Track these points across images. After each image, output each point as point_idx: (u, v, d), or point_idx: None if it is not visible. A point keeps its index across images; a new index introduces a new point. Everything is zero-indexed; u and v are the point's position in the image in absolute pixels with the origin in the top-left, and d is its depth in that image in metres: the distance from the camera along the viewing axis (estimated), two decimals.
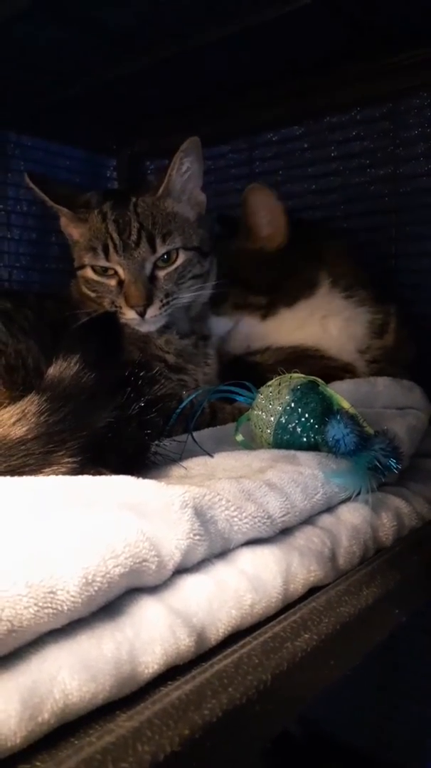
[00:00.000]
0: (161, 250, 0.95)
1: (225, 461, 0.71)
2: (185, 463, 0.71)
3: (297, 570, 0.55)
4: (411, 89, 1.20)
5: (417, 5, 0.99)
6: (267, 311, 1.16)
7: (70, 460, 0.59)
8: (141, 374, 0.68)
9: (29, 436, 0.59)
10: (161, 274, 0.95)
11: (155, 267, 0.95)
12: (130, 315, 0.94)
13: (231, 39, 1.05)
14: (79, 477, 0.56)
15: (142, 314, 0.93)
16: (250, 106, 1.35)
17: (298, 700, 0.42)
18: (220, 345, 1.15)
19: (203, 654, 0.44)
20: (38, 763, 0.32)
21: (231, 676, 0.36)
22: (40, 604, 0.37)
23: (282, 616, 0.47)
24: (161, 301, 0.94)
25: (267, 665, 0.38)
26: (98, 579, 0.40)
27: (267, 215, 1.17)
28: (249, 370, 1.06)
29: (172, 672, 0.41)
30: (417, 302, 1.22)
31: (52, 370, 0.65)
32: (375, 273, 1.23)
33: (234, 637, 0.46)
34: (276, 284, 1.16)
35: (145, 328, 0.97)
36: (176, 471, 0.69)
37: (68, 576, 0.39)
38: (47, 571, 0.38)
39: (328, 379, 0.76)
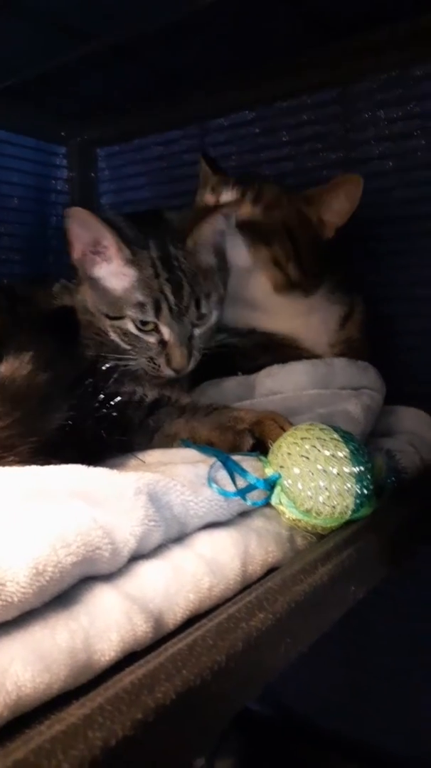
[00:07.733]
0: (203, 311, 0.93)
1: (184, 451, 0.71)
2: (143, 457, 0.70)
3: (256, 551, 0.55)
4: (359, 73, 1.20)
5: None
6: (284, 284, 1.07)
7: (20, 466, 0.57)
8: (97, 369, 0.67)
9: None
10: (197, 332, 0.93)
11: (192, 325, 0.92)
12: (167, 373, 0.91)
13: (178, 25, 1.04)
14: (28, 467, 0.55)
15: (178, 372, 0.91)
16: (201, 92, 1.33)
17: (255, 680, 0.42)
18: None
19: (161, 639, 0.44)
20: None
21: (185, 658, 0.36)
22: None
23: (238, 597, 0.47)
24: (195, 359, 0.92)
25: (221, 646, 0.38)
26: (49, 569, 0.40)
27: (343, 206, 1.10)
28: (224, 355, 1.04)
29: (130, 658, 0.41)
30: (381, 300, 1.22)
31: (3, 370, 0.63)
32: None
33: (193, 621, 0.46)
34: (311, 269, 1.10)
35: (172, 378, 0.94)
36: (132, 461, 0.68)
37: (17, 567, 0.38)
38: None
39: None
